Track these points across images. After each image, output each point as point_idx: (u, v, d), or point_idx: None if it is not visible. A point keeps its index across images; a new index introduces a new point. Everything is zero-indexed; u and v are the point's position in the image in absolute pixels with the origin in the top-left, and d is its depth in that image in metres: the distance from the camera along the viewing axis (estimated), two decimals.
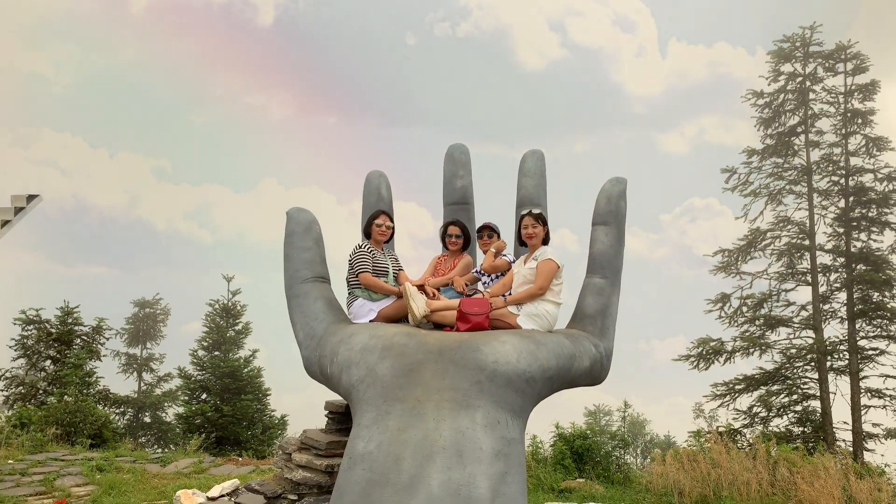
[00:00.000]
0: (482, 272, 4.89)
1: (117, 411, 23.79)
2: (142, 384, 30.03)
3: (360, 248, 4.51)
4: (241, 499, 6.95)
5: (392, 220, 4.75)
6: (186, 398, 21.87)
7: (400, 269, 4.79)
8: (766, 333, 20.17)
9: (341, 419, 7.28)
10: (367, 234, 4.67)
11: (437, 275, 5.03)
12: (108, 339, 22.76)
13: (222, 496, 9.13)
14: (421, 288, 4.27)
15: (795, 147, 20.74)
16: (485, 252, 4.99)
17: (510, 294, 4.44)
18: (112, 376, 29.09)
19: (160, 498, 9.44)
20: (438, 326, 4.31)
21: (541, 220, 4.38)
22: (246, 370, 22.19)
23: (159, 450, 17.38)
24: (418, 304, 4.10)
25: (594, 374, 4.02)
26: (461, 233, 4.97)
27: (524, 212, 4.47)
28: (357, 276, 4.54)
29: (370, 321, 4.26)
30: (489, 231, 4.85)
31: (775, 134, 21.12)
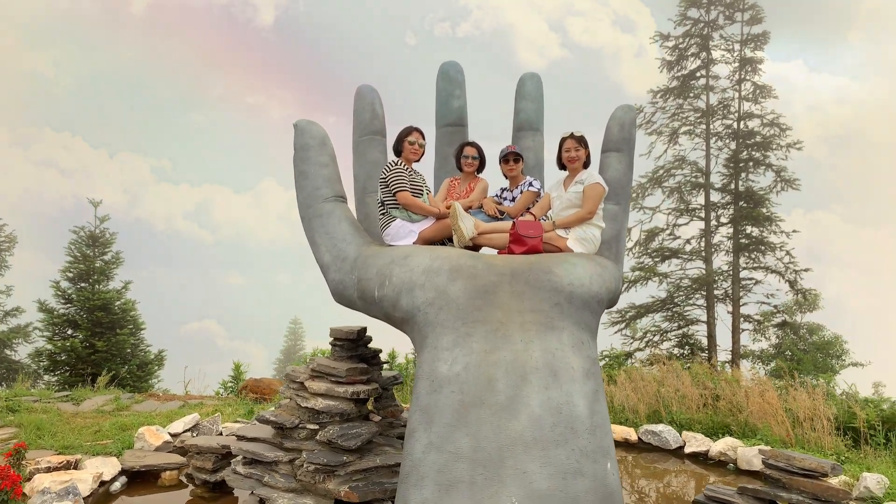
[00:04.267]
0: (513, 202, 4.47)
1: None
2: None
3: (396, 164, 3.95)
4: (250, 432, 6.12)
5: (424, 138, 4.19)
6: (50, 334, 19.47)
7: (429, 191, 4.27)
8: (659, 265, 21.61)
9: (350, 346, 6.74)
10: (398, 151, 4.11)
11: (451, 197, 4.46)
12: None
13: (185, 431, 8.10)
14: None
15: (697, 90, 21.86)
16: (508, 176, 4.55)
17: (547, 218, 4.11)
18: None
19: (99, 437, 8.15)
20: (475, 249, 3.83)
21: (583, 142, 3.93)
22: (119, 303, 20.13)
23: (68, 388, 15.34)
24: (467, 226, 3.64)
25: (617, 298, 3.90)
26: (478, 154, 4.53)
27: (565, 134, 4.05)
28: (394, 196, 3.98)
29: (412, 243, 3.76)
30: (515, 156, 4.35)
31: (680, 76, 22.10)
